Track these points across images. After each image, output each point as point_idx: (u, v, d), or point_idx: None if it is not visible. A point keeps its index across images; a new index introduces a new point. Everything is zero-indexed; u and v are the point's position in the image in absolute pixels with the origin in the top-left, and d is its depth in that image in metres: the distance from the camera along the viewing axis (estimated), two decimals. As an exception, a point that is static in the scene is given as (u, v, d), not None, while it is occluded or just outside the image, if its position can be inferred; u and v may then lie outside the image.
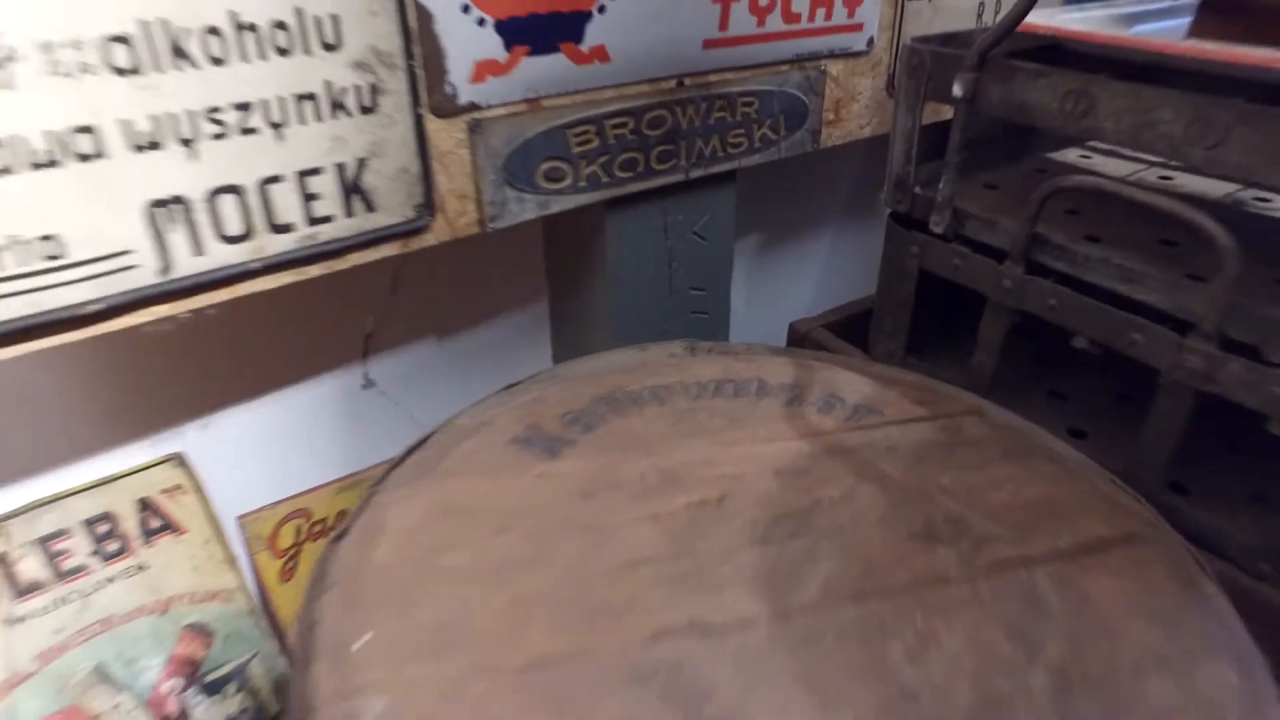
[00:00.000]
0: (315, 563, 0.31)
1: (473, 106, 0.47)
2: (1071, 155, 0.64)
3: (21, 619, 0.51)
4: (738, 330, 0.73)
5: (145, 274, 0.40)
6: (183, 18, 0.37)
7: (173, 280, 0.41)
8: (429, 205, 0.48)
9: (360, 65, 0.42)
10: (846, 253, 0.95)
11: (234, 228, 0.42)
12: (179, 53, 0.37)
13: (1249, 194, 0.57)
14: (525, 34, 0.47)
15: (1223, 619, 0.29)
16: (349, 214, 0.45)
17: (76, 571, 0.53)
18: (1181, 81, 0.42)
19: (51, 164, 0.36)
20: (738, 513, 0.33)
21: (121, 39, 0.36)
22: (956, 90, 0.47)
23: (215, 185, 0.40)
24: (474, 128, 0.47)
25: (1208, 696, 0.25)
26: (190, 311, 0.42)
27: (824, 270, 0.95)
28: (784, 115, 0.61)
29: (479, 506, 0.32)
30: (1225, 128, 0.36)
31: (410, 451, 0.37)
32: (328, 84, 0.42)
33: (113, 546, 0.55)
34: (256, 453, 0.62)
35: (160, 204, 0.39)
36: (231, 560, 0.58)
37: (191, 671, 0.55)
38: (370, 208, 0.45)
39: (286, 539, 0.63)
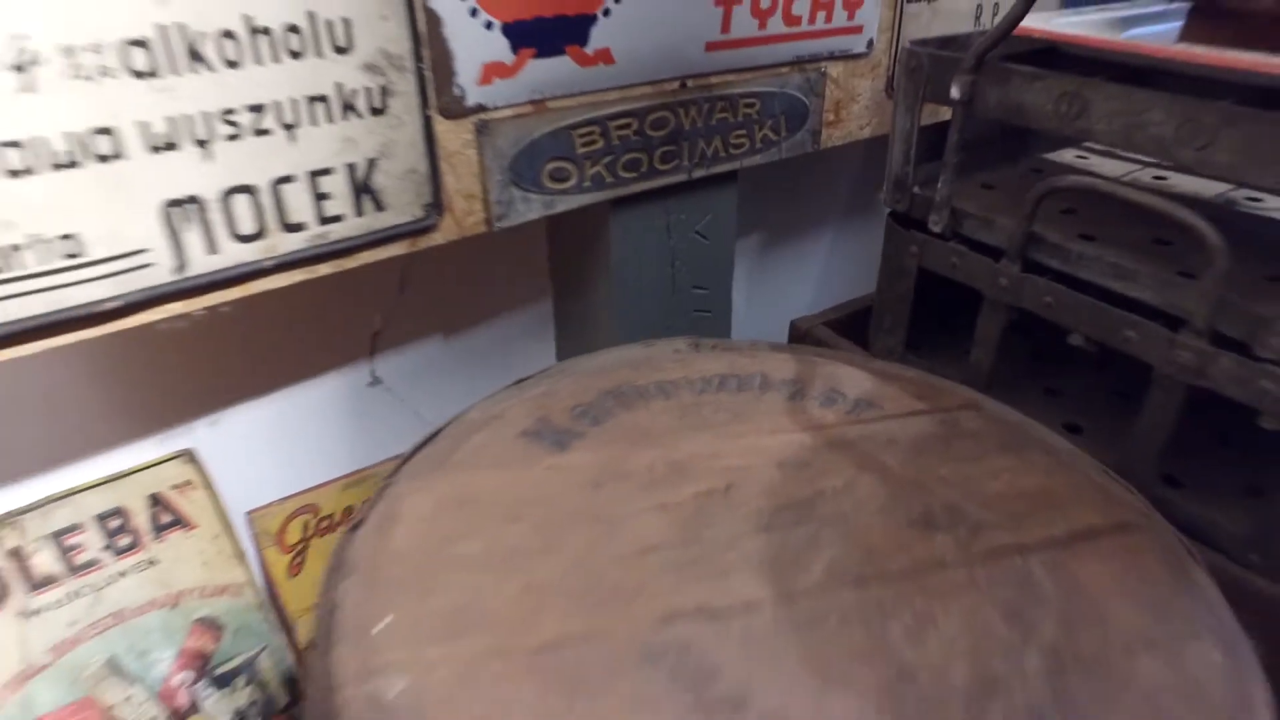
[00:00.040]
0: (333, 551, 0.31)
1: (480, 108, 0.48)
2: (1068, 156, 0.65)
3: (36, 612, 0.52)
4: (739, 328, 0.74)
5: (161, 272, 0.41)
6: (199, 22, 0.38)
7: (187, 278, 0.41)
8: (437, 205, 0.48)
9: (371, 68, 0.43)
10: (846, 252, 0.96)
11: (247, 227, 0.42)
12: (195, 56, 0.38)
13: (1241, 194, 0.58)
14: (531, 37, 0.48)
15: (1210, 603, 0.30)
16: (359, 213, 0.46)
17: (89, 565, 0.54)
18: (1172, 84, 0.43)
19: (72, 165, 0.37)
20: (743, 502, 0.34)
21: (140, 43, 0.37)
22: (954, 92, 0.48)
23: (229, 185, 0.41)
24: (481, 129, 0.48)
25: (1195, 676, 0.26)
26: (204, 309, 0.43)
27: (824, 269, 0.96)
28: (785, 116, 0.62)
29: (491, 497, 0.33)
30: (1214, 129, 0.37)
31: (422, 445, 0.38)
32: (339, 86, 0.43)
33: (124, 541, 0.55)
34: (265, 449, 0.62)
35: (176, 203, 0.40)
36: (240, 555, 0.59)
37: (202, 664, 0.56)
38: (380, 207, 0.46)
39: (294, 534, 0.63)
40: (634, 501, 0.33)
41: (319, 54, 0.41)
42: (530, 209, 0.52)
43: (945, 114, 0.51)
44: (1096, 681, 0.26)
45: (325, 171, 0.44)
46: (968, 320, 0.53)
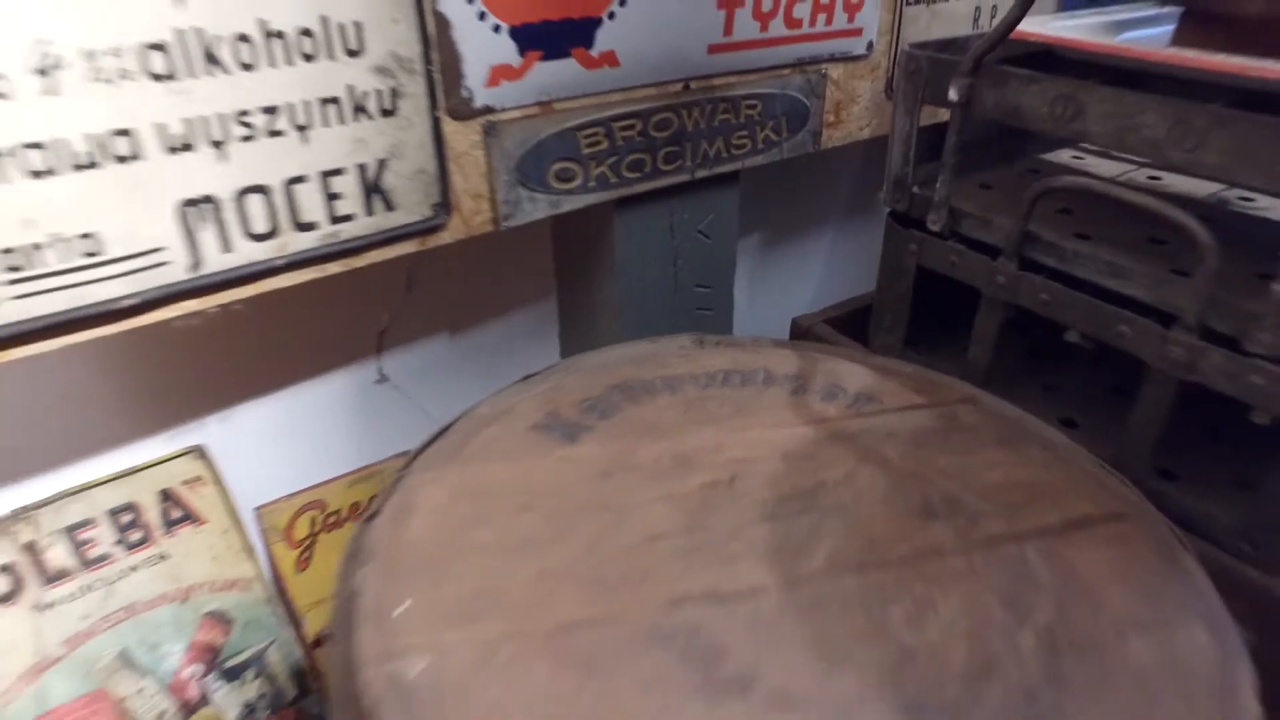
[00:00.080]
0: (349, 540, 0.32)
1: (488, 109, 0.49)
2: (1064, 156, 0.66)
3: (50, 605, 0.52)
4: (741, 327, 0.75)
5: (176, 270, 0.41)
6: (215, 25, 0.38)
7: (202, 276, 0.42)
8: (445, 204, 0.49)
9: (381, 70, 0.44)
10: (846, 251, 0.97)
11: (260, 226, 0.43)
12: (211, 59, 0.39)
13: (1233, 193, 0.60)
14: (538, 40, 0.49)
15: (1199, 589, 0.31)
16: (369, 213, 0.47)
17: (101, 560, 0.55)
18: (1164, 87, 0.44)
19: (91, 165, 0.37)
20: (747, 492, 0.35)
21: (158, 46, 0.37)
22: (952, 94, 0.49)
23: (243, 185, 0.42)
24: (489, 130, 0.49)
25: (1183, 657, 0.27)
26: (218, 307, 0.44)
27: (825, 268, 0.97)
28: (786, 117, 0.63)
29: (503, 488, 0.34)
30: (1203, 131, 0.38)
31: (434, 439, 0.39)
32: (350, 88, 0.43)
33: (136, 536, 0.56)
34: (274, 446, 0.63)
35: (192, 203, 0.41)
36: (249, 550, 0.60)
37: (211, 658, 0.57)
38: (389, 207, 0.47)
39: (302, 530, 0.64)
40: (642, 492, 0.34)
41: (331, 57, 0.42)
42: (536, 209, 0.53)
43: (944, 115, 0.51)
44: (1089, 662, 0.27)
45: (337, 172, 0.44)
46: (966, 318, 0.53)
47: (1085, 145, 0.67)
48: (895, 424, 0.40)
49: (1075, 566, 0.31)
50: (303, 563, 0.63)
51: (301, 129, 0.43)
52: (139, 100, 0.38)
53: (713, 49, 0.57)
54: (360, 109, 0.44)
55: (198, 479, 0.59)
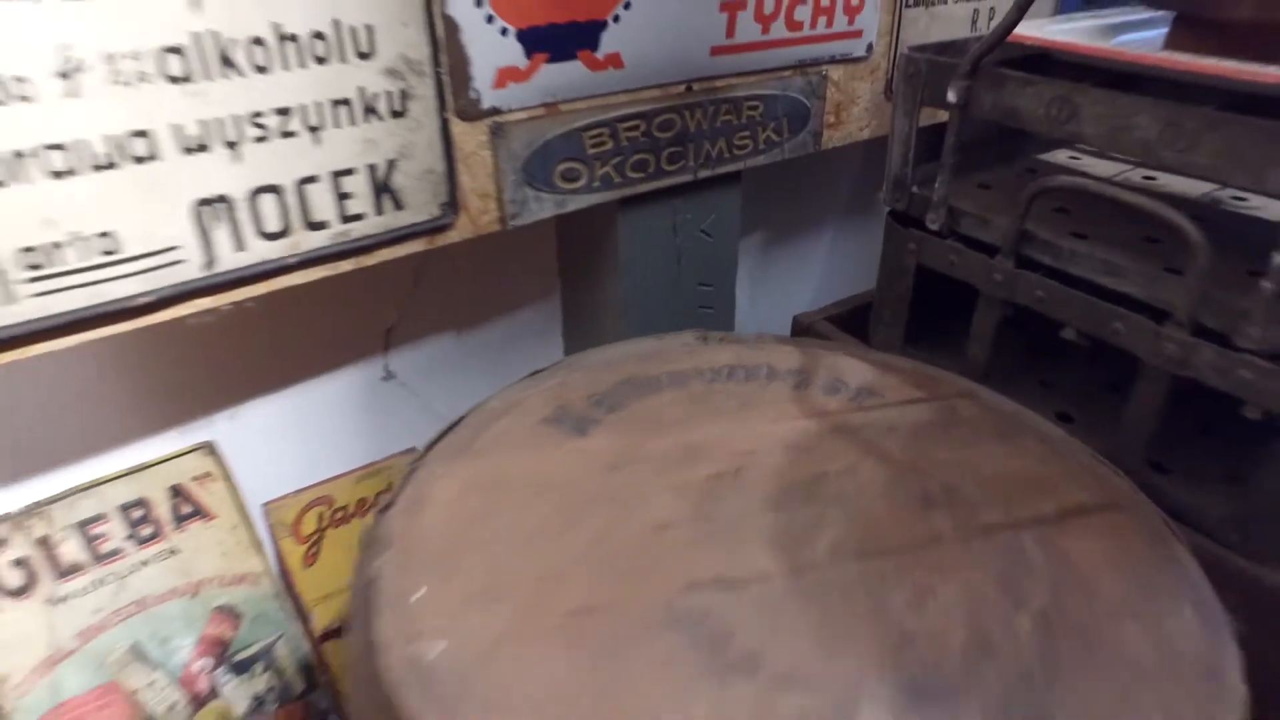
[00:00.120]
0: (365, 530, 0.33)
1: (495, 111, 0.50)
2: (1061, 156, 0.67)
3: (63, 599, 0.53)
4: (742, 325, 0.75)
5: (191, 268, 0.42)
6: (231, 29, 0.39)
7: (216, 274, 0.43)
8: (453, 204, 0.50)
9: (391, 72, 0.45)
10: (846, 250, 0.97)
11: (273, 225, 0.44)
12: (226, 62, 0.40)
13: (1226, 193, 0.61)
14: (545, 42, 0.50)
15: (1189, 575, 0.32)
16: (379, 212, 0.47)
17: (113, 554, 0.55)
18: (1157, 90, 0.45)
19: (110, 166, 0.38)
20: (753, 483, 0.36)
21: (175, 50, 0.38)
22: (951, 96, 0.50)
23: (257, 185, 0.42)
24: (496, 131, 0.50)
25: (1173, 639, 0.28)
26: (231, 304, 0.45)
27: (825, 267, 0.98)
28: (787, 118, 0.64)
29: (516, 479, 0.35)
30: (1195, 133, 0.39)
31: (446, 432, 0.40)
32: (361, 90, 0.44)
33: (146, 531, 0.57)
34: (282, 442, 0.64)
35: (206, 202, 0.42)
36: (257, 545, 0.60)
37: (221, 651, 0.57)
38: (399, 206, 0.48)
39: (309, 525, 0.65)
40: (651, 483, 0.35)
41: (343, 59, 0.43)
42: (542, 208, 0.54)
43: (943, 116, 0.52)
44: (1082, 644, 0.28)
45: (347, 172, 0.45)
46: (965, 316, 0.54)
47: (1082, 146, 0.68)
48: (896, 418, 0.41)
49: (1070, 554, 0.32)
50: (310, 558, 0.64)
51: (313, 130, 0.43)
52: (156, 102, 0.38)
53: (715, 51, 0.57)
54: (371, 110, 0.45)
55: (207, 475, 0.59)
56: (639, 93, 0.55)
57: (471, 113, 0.49)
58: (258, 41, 0.40)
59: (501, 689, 0.26)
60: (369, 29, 0.43)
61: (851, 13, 0.64)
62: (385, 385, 0.68)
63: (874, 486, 0.36)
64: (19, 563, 0.52)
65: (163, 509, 0.58)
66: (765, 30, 0.59)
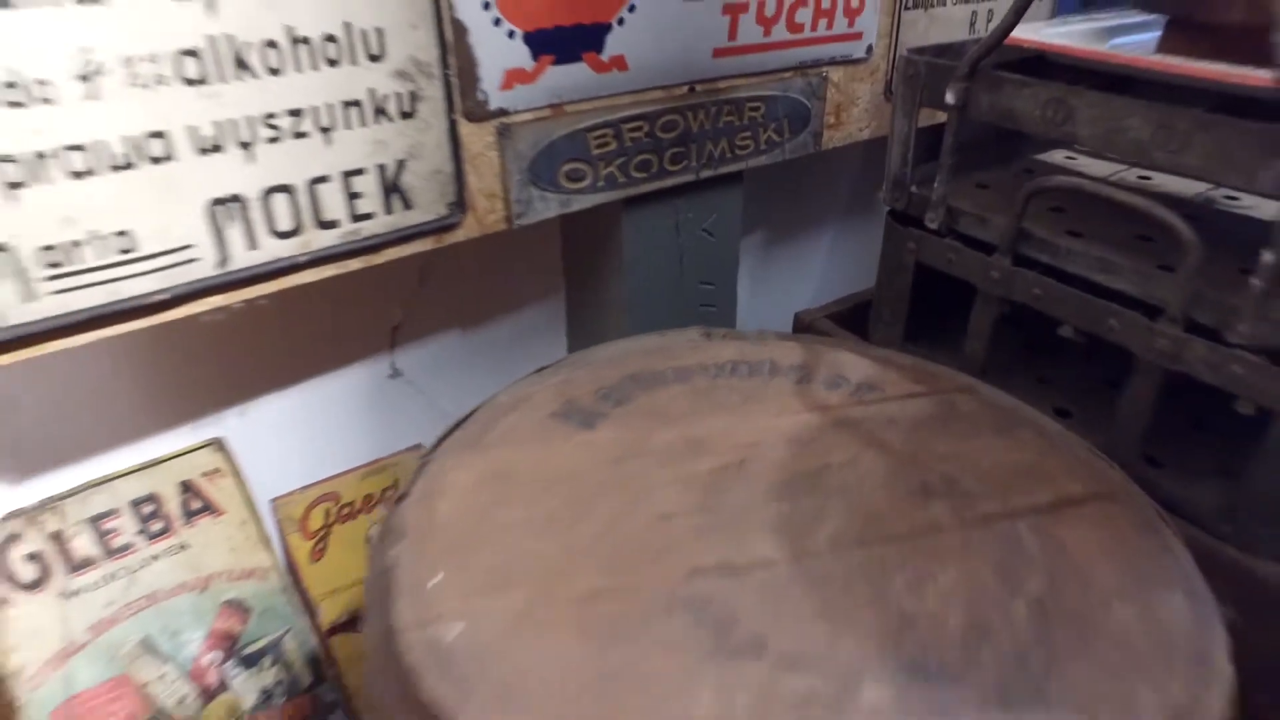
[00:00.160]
0: (380, 521, 0.34)
1: (502, 112, 0.50)
2: (1058, 156, 0.68)
3: (76, 593, 0.54)
4: (744, 323, 0.76)
5: (205, 266, 0.43)
6: (245, 32, 0.40)
7: (229, 272, 0.44)
8: (460, 203, 0.51)
9: (401, 74, 0.46)
10: (846, 249, 0.98)
11: (285, 224, 0.45)
12: (241, 64, 0.41)
13: (1220, 192, 0.62)
14: (551, 45, 0.51)
15: (1180, 562, 0.33)
16: (388, 211, 0.48)
17: (124, 549, 0.56)
18: (1150, 92, 0.46)
19: (128, 166, 0.39)
20: (756, 475, 0.37)
21: (192, 52, 0.39)
22: (949, 98, 0.51)
23: (269, 185, 0.43)
24: (502, 131, 0.51)
25: (1163, 622, 0.29)
26: (243, 301, 0.45)
27: (825, 265, 0.98)
28: (788, 119, 0.65)
29: (525, 471, 0.36)
30: (1186, 135, 0.40)
31: (456, 426, 0.41)
32: (371, 91, 0.45)
33: (157, 526, 0.58)
34: (290, 439, 0.65)
35: (220, 202, 0.42)
36: (266, 541, 0.61)
37: (230, 645, 0.58)
38: (408, 205, 0.49)
39: (316, 521, 0.65)
40: (657, 474, 0.36)
41: (354, 61, 0.44)
42: (548, 207, 0.55)
43: (941, 117, 0.53)
44: (1076, 629, 0.29)
45: (358, 172, 0.46)
46: (963, 313, 0.55)
47: (1078, 146, 0.69)
48: (896, 411, 0.42)
49: (1065, 543, 0.33)
50: (317, 553, 0.65)
51: (325, 131, 0.44)
52: (173, 104, 0.39)
53: (717, 53, 0.58)
54: (381, 111, 0.46)
55: (217, 471, 0.60)
56: (643, 94, 0.56)
57: (479, 114, 0.49)
58: (271, 44, 0.41)
59: (517, 669, 0.26)
60: (379, 32, 0.44)
61: (851, 15, 0.65)
62: (392, 383, 0.69)
63: (875, 478, 0.37)
64: (32, 557, 0.53)
65: (173, 504, 0.58)
66: (767, 32, 0.60)
